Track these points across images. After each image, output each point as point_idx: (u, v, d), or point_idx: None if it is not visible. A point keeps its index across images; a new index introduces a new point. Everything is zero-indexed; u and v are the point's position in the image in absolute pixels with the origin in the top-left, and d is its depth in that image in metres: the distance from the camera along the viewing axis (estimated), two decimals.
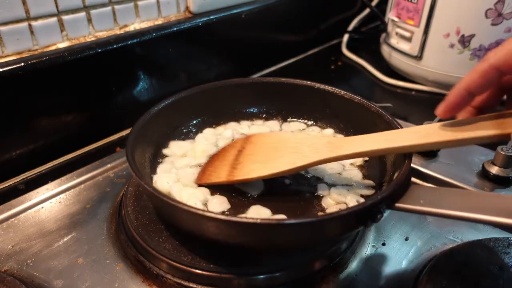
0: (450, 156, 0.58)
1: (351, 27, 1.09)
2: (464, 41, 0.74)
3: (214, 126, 0.60)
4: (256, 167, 0.46)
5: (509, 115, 0.36)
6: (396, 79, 0.87)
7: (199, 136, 0.57)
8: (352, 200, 0.46)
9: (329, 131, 0.59)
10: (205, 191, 0.47)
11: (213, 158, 0.51)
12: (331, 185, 0.48)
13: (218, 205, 0.45)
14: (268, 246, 0.41)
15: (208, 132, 0.59)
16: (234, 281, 0.40)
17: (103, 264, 0.43)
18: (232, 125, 0.60)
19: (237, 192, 0.47)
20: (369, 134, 0.44)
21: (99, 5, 0.61)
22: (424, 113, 0.76)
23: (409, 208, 0.37)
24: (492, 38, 0.72)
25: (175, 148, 0.55)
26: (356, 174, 0.50)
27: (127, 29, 0.66)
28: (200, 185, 0.48)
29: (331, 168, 0.51)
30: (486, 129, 0.37)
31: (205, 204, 0.45)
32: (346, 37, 1.07)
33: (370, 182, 0.49)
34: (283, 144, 0.47)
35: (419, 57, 0.80)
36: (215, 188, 0.47)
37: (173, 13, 0.72)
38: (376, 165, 0.51)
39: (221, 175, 0.47)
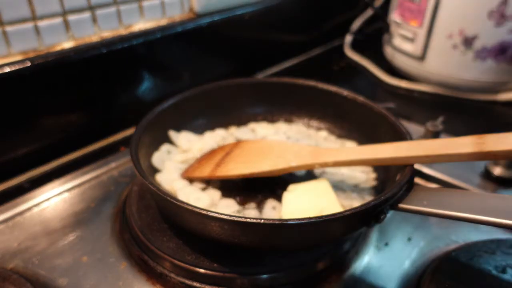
0: None
1: (354, 28, 1.09)
2: (467, 42, 0.73)
3: (217, 126, 0.61)
4: (239, 166, 0.48)
5: (489, 136, 0.37)
6: (399, 79, 0.87)
7: (207, 135, 0.58)
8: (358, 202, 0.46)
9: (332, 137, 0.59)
10: (215, 193, 0.48)
11: (201, 158, 0.53)
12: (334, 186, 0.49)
13: (225, 206, 0.45)
14: (271, 246, 0.41)
15: (215, 133, 0.59)
16: (237, 280, 0.40)
17: (107, 263, 0.44)
18: (233, 129, 0.61)
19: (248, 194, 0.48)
20: (352, 147, 0.49)
21: (104, 5, 0.62)
22: (427, 114, 0.76)
23: (413, 209, 0.38)
24: (495, 39, 0.72)
25: (183, 140, 0.56)
26: (360, 176, 0.51)
27: (131, 29, 0.66)
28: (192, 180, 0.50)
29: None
30: (465, 147, 0.37)
31: (214, 206, 0.46)
32: (349, 37, 1.07)
33: (374, 183, 0.49)
34: (269, 149, 0.49)
35: (422, 58, 0.80)
36: (225, 191, 0.48)
37: (177, 13, 0.72)
38: (380, 166, 0.51)
39: (204, 171, 0.49)
